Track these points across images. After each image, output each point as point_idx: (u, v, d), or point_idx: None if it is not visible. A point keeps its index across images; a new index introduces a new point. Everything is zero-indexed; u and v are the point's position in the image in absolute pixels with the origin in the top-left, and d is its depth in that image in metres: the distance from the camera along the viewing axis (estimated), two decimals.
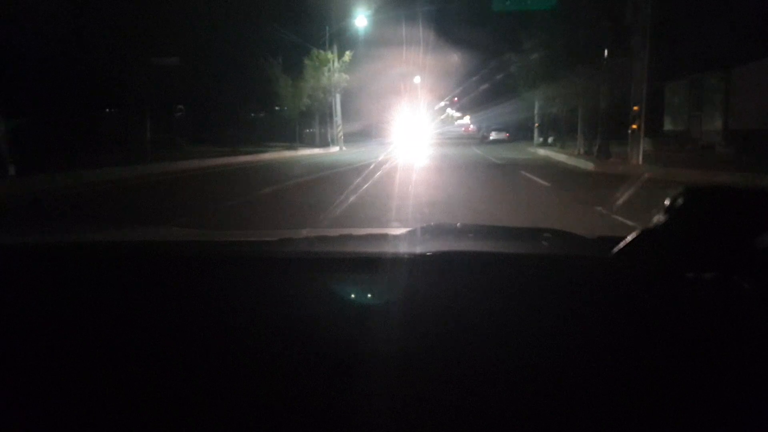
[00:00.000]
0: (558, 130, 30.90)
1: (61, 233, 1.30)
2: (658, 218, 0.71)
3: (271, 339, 0.76)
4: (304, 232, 1.24)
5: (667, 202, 0.70)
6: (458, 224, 1.33)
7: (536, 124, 31.52)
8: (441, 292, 0.88)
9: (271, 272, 0.97)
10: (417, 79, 69.23)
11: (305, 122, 31.63)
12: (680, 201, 0.68)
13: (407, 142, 32.07)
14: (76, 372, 0.70)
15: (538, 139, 30.84)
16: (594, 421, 0.59)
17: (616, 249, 0.82)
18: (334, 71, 30.68)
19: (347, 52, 30.98)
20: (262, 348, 0.74)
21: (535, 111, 31.17)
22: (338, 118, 33.54)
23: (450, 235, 1.19)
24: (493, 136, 41.89)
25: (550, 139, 29.95)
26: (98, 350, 0.75)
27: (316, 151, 27.34)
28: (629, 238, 0.79)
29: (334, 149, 29.85)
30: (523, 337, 0.75)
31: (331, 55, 29.69)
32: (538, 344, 0.73)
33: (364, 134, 51.06)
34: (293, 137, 30.52)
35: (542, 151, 24.83)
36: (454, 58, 69.95)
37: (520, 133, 44.52)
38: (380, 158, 19.94)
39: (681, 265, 0.75)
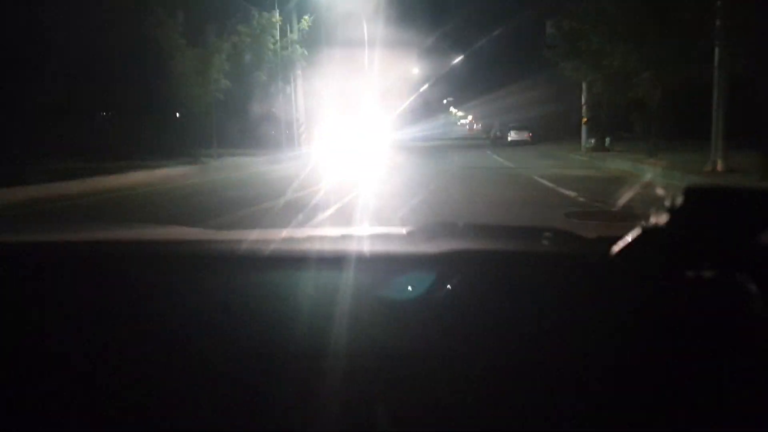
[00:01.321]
0: (616, 126, 20.98)
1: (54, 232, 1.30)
2: (658, 218, 0.71)
3: (268, 337, 0.77)
4: (307, 232, 1.30)
5: (667, 203, 0.70)
6: (459, 223, 1.12)
7: (584, 120, 21.44)
8: (440, 291, 0.88)
9: (272, 270, 0.98)
10: (415, 71, 59.94)
11: (254, 120, 21.55)
12: (680, 201, 0.69)
13: (399, 145, 22.54)
14: (56, 368, 0.72)
15: (587, 140, 20.76)
16: (595, 420, 0.61)
17: (615, 248, 0.82)
18: (290, 42, 20.72)
19: (305, 17, 21.04)
20: (257, 346, 0.75)
21: (583, 100, 21.20)
22: (300, 113, 23.61)
23: (450, 233, 1.10)
24: (512, 136, 31.91)
25: (607, 141, 20.00)
26: (86, 349, 0.76)
27: (251, 162, 17.20)
28: (629, 238, 0.78)
29: (290, 156, 19.66)
30: (521, 336, 0.75)
31: (276, 18, 19.66)
32: (536, 343, 0.73)
33: (346, 135, 41.40)
34: (233, 140, 20.58)
35: (614, 164, 14.81)
36: (456, 42, 60.57)
37: (540, 131, 34.72)
38: (336, 184, 10.13)
39: (681, 264, 0.76)
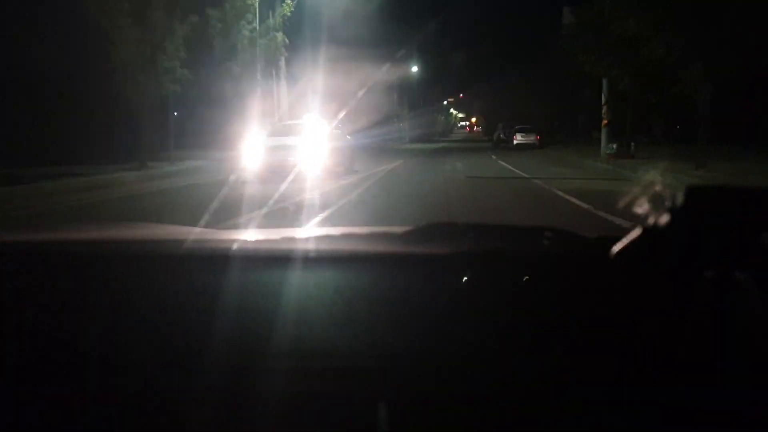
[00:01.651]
0: (636, 130, 18.34)
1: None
2: (659, 217, 0.71)
3: (264, 335, 0.76)
4: (307, 231, 1.29)
5: (668, 202, 0.70)
6: (459, 223, 1.11)
7: (604, 122, 18.80)
8: (441, 291, 0.88)
9: (274, 269, 0.97)
10: (414, 69, 57.30)
11: (228, 117, 18.92)
12: (681, 200, 0.69)
13: (396, 147, 19.93)
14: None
15: (608, 145, 18.11)
16: (595, 419, 0.60)
17: (616, 248, 0.82)
18: (269, 29, 18.12)
19: (288, 1, 18.45)
20: (250, 344, 0.75)
21: (602, 99, 18.59)
22: (282, 111, 20.99)
23: (450, 233, 1.09)
24: (518, 139, 29.21)
25: (632, 146, 17.39)
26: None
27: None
28: (630, 237, 0.79)
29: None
30: (522, 335, 0.75)
31: (252, 1, 17.07)
32: (537, 342, 0.73)
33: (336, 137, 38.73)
34: (202, 140, 17.99)
35: (650, 176, 12.06)
36: (457, 42, 57.81)
37: (546, 133, 32.16)
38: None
39: (682, 263, 0.76)
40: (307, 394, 0.64)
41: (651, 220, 0.72)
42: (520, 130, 29.63)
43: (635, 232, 0.76)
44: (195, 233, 1.31)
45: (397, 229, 1.09)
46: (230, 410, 0.62)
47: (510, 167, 15.86)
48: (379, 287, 0.88)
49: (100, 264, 0.98)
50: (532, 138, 29.11)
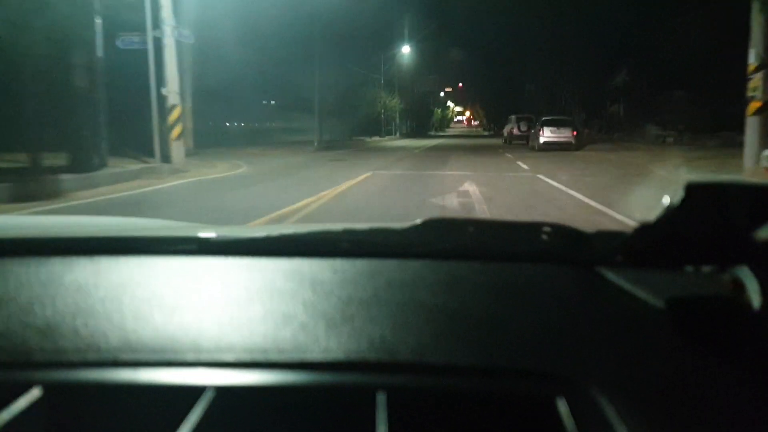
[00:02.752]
0: None
1: None
2: (659, 214, 0.72)
3: (261, 332, 0.76)
4: (306, 227, 1.27)
5: (666, 199, 0.70)
6: (458, 218, 1.16)
7: (755, 105, 10.08)
8: (441, 286, 0.88)
9: (271, 264, 0.97)
10: (405, 49, 48.54)
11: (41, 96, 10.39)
12: (681, 196, 0.69)
13: (377, 146, 11.50)
14: None
15: None
16: (592, 419, 0.60)
17: (615, 243, 0.84)
18: None
19: None
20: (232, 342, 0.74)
21: (752, 59, 9.94)
22: (171, 88, 12.34)
23: (449, 229, 1.12)
24: (546, 136, 20.46)
25: None
26: None
27: None
28: (629, 233, 0.80)
29: (99, 182, 8.46)
30: (522, 333, 0.75)
31: None
32: (537, 339, 0.73)
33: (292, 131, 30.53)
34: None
35: None
36: (455, 34, 49.43)
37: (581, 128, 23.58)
38: None
39: (680, 259, 0.77)
40: (302, 386, 0.63)
41: (651, 217, 0.73)
42: (548, 123, 20.79)
43: (634, 228, 0.77)
44: (192, 228, 1.33)
45: (398, 225, 1.11)
46: (224, 405, 0.61)
47: (589, 202, 7.24)
48: (379, 282, 0.88)
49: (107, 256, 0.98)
50: (566, 134, 20.42)
